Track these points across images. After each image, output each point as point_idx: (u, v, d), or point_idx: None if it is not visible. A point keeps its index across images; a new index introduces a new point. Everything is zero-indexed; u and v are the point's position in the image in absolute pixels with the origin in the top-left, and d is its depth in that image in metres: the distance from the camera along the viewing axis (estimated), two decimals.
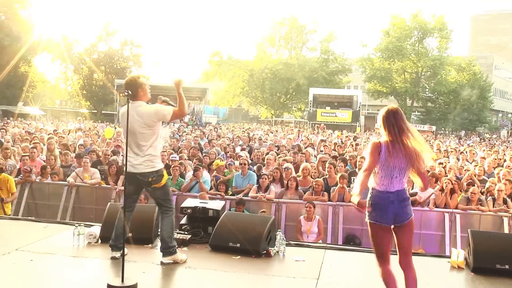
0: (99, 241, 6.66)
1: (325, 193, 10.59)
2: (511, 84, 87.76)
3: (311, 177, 11.39)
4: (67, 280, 5.41)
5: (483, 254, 6.16)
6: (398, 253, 4.74)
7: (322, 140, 17.58)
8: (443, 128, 60.21)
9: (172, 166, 11.39)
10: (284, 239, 6.55)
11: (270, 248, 6.38)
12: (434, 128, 54.03)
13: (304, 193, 10.69)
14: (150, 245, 6.54)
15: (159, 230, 6.08)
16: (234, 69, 63.53)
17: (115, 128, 22.98)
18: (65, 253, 6.19)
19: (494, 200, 10.39)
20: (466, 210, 10.24)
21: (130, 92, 5.43)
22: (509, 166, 13.72)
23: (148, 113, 5.76)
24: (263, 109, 67.63)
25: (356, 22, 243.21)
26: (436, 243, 10.46)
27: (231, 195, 10.96)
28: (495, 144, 32.13)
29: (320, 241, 9.26)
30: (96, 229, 6.75)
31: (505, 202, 10.32)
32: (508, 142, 39.87)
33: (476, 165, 13.78)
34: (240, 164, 11.55)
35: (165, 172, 6.02)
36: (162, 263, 5.84)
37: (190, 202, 7.22)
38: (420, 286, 5.86)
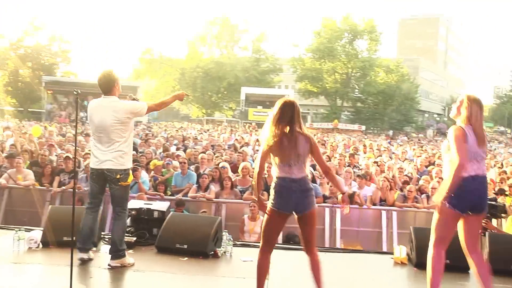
0: (40, 245, 6.37)
1: (265, 192, 10.58)
2: (436, 86, 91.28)
3: (250, 177, 11.39)
4: None
5: (426, 250, 6.33)
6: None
7: (258, 140, 17.63)
8: (372, 128, 61.75)
9: None
10: (231, 239, 6.51)
11: (217, 248, 6.33)
12: (363, 127, 55.34)
13: (244, 193, 10.69)
14: (94, 249, 6.33)
15: (104, 233, 6.02)
16: (166, 68, 62.88)
17: (46, 127, 22.22)
18: (5, 260, 5.87)
19: (428, 197, 10.74)
20: (402, 208, 10.54)
21: (79, 92, 5.20)
22: (440, 165, 14.23)
23: (124, 109, 5.64)
24: (194, 108, 67.26)
25: (288, 22, 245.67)
26: (373, 240, 10.71)
27: (170, 195, 10.83)
28: (422, 143, 33.26)
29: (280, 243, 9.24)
30: (37, 233, 6.45)
31: None
32: (436, 141, 41.37)
33: (409, 164, 14.22)
34: (180, 163, 11.40)
35: (131, 172, 5.87)
36: (110, 266, 5.64)
37: (134, 204, 7.04)
38: (367, 281, 6.02)
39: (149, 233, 6.69)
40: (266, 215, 4.66)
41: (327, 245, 10.04)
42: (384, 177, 11.09)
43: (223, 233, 6.54)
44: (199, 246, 6.13)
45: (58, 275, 5.31)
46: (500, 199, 10.53)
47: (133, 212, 6.77)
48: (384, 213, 10.47)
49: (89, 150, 12.69)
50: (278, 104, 4.72)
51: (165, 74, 63.02)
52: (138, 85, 49.75)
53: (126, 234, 6.61)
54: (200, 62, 62.52)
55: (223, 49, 67.17)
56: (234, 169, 12.18)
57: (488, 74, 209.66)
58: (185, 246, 6.15)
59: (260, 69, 63.82)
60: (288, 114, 4.65)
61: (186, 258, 6.07)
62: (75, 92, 5.07)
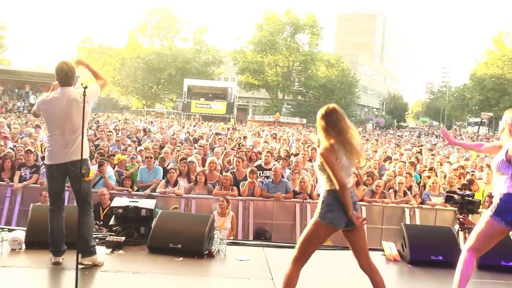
0: (23, 247, 5.96)
1: (234, 187, 10.45)
2: (373, 81, 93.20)
3: (216, 171, 11.21)
4: None
5: (419, 247, 6.38)
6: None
7: (217, 134, 17.41)
8: (312, 121, 62.30)
9: None
10: (225, 238, 6.33)
11: (211, 247, 6.12)
12: (305, 121, 55.81)
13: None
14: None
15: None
16: (105, 57, 61.35)
17: None
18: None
19: (395, 192, 10.87)
20: (371, 203, 10.62)
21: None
22: (397, 159, 14.46)
23: (89, 94, 5.33)
24: (134, 99, 66.01)
25: (229, 14, 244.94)
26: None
27: (136, 190, 10.51)
28: (366, 137, 33.80)
29: (251, 239, 9.15)
30: (20, 233, 6.04)
31: (405, 194, 10.85)
32: (377, 135, 42.23)
33: (370, 159, 14.35)
34: (146, 157, 11.06)
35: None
36: (82, 265, 5.25)
37: (120, 201, 6.71)
38: (365, 279, 5.97)
39: (137, 232, 6.40)
40: (310, 228, 4.37)
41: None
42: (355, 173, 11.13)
43: (215, 232, 6.35)
44: (194, 246, 5.90)
45: (45, 278, 5.00)
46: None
47: (119, 211, 6.45)
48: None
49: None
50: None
51: (105, 63, 61.36)
52: (78, 74, 48.10)
53: (113, 234, 6.35)
54: (141, 52, 61.32)
55: (164, 40, 66.04)
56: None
57: (421, 70, 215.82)
58: (179, 246, 5.90)
59: (201, 60, 63.16)
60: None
61: (181, 258, 5.83)
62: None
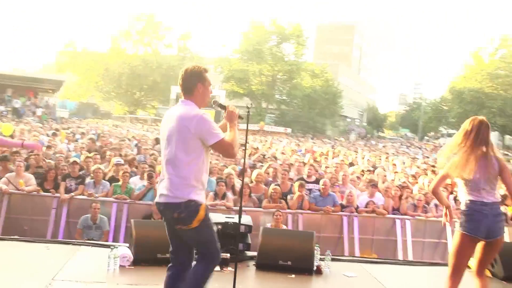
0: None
1: (282, 200, 10.52)
2: (352, 91, 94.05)
3: (264, 184, 11.26)
4: None
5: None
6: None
7: (241, 145, 17.37)
8: (295, 131, 62.67)
9: (122, 171, 10.59)
10: (330, 254, 6.40)
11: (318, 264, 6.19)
12: (289, 130, 56.10)
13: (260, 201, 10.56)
14: None
15: None
16: (89, 62, 60.72)
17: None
18: (116, 281, 5.45)
19: (436, 206, 11.06)
20: (414, 216, 10.81)
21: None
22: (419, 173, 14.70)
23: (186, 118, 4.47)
24: (117, 105, 65.45)
25: (212, 23, 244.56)
26: (386, 248, 10.90)
27: None
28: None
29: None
30: (126, 250, 6.01)
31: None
32: (361, 145, 42.82)
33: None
34: None
35: None
36: None
37: (216, 218, 6.73)
38: None
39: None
40: (454, 240, 4.54)
41: (346, 253, 10.17)
42: (397, 186, 11.32)
43: (315, 248, 6.42)
44: (304, 263, 5.97)
45: None
46: None
47: (219, 227, 6.47)
48: (398, 222, 10.69)
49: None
50: (472, 123, 4.64)
51: (89, 68, 60.79)
52: (63, 79, 47.66)
53: None
54: (126, 58, 60.90)
55: (147, 46, 65.73)
56: None
57: (394, 82, 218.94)
58: (289, 263, 5.96)
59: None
60: (485, 135, 4.57)
61: (293, 276, 5.88)
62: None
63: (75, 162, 10.52)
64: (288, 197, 10.59)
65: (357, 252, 10.25)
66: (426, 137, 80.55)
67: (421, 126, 79.20)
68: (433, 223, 10.79)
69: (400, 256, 10.39)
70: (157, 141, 19.06)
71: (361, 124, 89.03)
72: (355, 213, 10.53)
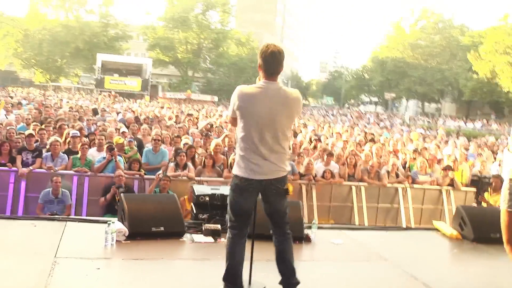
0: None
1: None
2: None
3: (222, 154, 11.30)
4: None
5: (481, 226, 6.99)
6: None
7: (189, 114, 17.23)
8: (223, 99, 62.63)
9: (80, 143, 10.34)
10: (315, 222, 6.57)
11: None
12: (216, 98, 56.04)
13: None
14: None
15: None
16: (7, 27, 57.66)
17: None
18: (120, 255, 5.41)
19: (388, 172, 11.55)
20: (371, 183, 11.23)
21: None
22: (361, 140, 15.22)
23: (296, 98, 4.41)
24: (37, 72, 62.72)
25: None
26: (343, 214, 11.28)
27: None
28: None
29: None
30: (119, 225, 5.93)
31: (396, 174, 11.62)
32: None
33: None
34: (153, 140, 10.91)
35: None
36: None
37: (202, 189, 6.75)
38: (448, 259, 6.49)
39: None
40: (503, 219, 4.19)
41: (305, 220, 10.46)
42: (350, 153, 11.71)
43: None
44: (296, 231, 6.07)
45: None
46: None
47: (206, 199, 6.49)
48: (354, 188, 11.09)
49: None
50: None
51: (7, 34, 57.73)
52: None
53: (206, 223, 6.36)
54: (46, 24, 58.28)
55: (68, 12, 63.06)
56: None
57: (315, 50, 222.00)
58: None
59: (109, 35, 61.28)
60: None
61: None
62: None
63: (31, 135, 10.14)
64: None
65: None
66: (346, 105, 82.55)
67: (343, 94, 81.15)
68: (386, 189, 11.29)
69: (357, 222, 10.83)
70: (94, 111, 18.65)
71: None
72: (313, 181, 10.82)
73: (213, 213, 6.51)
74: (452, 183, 11.65)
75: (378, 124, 39.99)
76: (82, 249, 5.41)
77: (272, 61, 4.30)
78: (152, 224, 5.87)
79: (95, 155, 10.42)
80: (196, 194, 6.66)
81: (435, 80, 60.46)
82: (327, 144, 13.72)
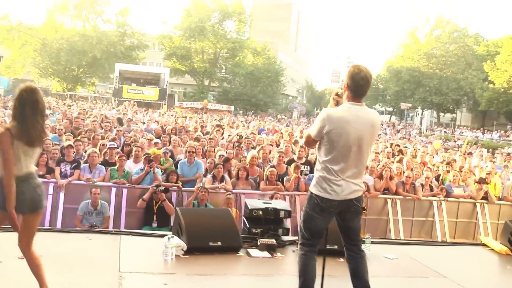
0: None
1: (279, 183, 10.65)
2: (290, 69, 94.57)
3: (258, 166, 11.33)
4: None
5: None
6: None
7: (217, 125, 17.24)
8: (238, 109, 62.72)
9: (118, 155, 10.43)
10: (369, 236, 6.59)
11: None
12: (232, 108, 56.08)
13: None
14: None
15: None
16: (25, 37, 58.15)
17: None
18: (184, 271, 5.43)
19: (422, 185, 11.52)
20: (405, 197, 11.20)
21: None
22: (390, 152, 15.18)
23: (379, 120, 4.68)
24: (55, 82, 63.20)
25: None
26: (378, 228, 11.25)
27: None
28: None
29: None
30: (177, 240, 5.97)
31: (430, 188, 11.59)
32: (303, 123, 43.73)
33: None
34: (188, 152, 10.97)
35: None
36: None
37: (253, 203, 6.79)
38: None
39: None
40: None
41: None
42: (386, 166, 11.67)
43: None
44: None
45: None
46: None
47: (260, 213, 6.54)
48: (389, 202, 11.07)
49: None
50: None
51: (25, 43, 58.21)
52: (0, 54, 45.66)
53: (260, 237, 6.38)
54: (64, 33, 58.69)
55: (85, 21, 63.51)
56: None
57: (328, 59, 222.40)
58: (336, 247, 6.08)
59: (126, 44, 61.66)
60: None
61: (341, 259, 6.02)
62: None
63: (70, 146, 10.25)
64: (285, 179, 10.73)
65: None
66: None
67: None
68: (421, 202, 11.25)
69: (392, 235, 10.80)
70: (119, 121, 18.75)
71: (301, 101, 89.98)
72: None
73: (266, 227, 6.54)
74: (486, 196, 11.63)
75: (395, 135, 39.94)
76: (143, 263, 5.47)
77: (363, 84, 4.37)
78: (209, 239, 5.93)
79: (132, 167, 10.51)
80: (249, 208, 6.69)
81: (451, 90, 60.33)
82: None
